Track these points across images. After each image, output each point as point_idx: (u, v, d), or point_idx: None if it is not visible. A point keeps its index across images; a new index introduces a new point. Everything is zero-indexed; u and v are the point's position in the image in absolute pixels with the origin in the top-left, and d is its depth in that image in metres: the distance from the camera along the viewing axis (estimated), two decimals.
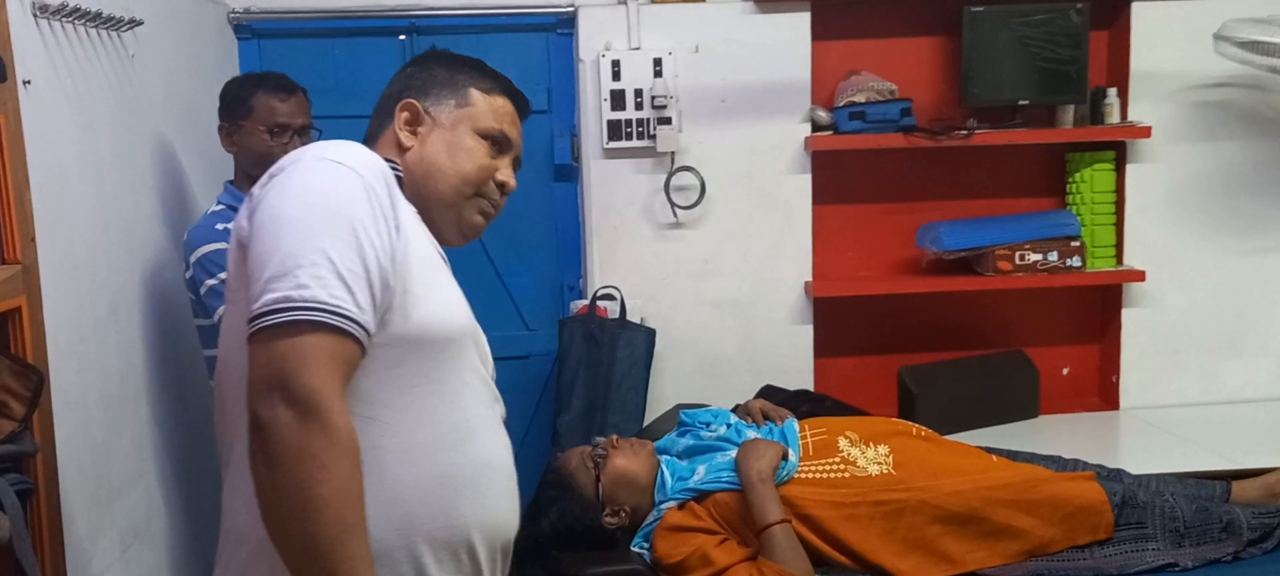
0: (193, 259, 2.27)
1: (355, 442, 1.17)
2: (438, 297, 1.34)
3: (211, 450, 2.46)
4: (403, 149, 1.47)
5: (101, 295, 2.17)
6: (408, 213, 1.37)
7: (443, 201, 1.47)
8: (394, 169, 1.42)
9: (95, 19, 2.13)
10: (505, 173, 1.52)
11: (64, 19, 2.03)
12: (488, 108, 1.51)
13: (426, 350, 1.30)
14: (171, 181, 2.60)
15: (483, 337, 1.46)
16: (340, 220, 1.21)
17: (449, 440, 1.32)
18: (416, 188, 1.46)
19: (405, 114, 1.48)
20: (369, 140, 1.50)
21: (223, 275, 2.24)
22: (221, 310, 2.21)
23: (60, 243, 1.99)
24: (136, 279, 2.36)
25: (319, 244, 1.19)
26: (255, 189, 1.30)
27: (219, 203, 2.38)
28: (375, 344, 1.25)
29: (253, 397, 1.15)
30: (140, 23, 2.33)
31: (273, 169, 1.30)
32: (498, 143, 1.51)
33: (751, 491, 2.22)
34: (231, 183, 2.44)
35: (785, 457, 2.33)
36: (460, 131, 1.48)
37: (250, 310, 1.17)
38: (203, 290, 2.26)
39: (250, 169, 2.40)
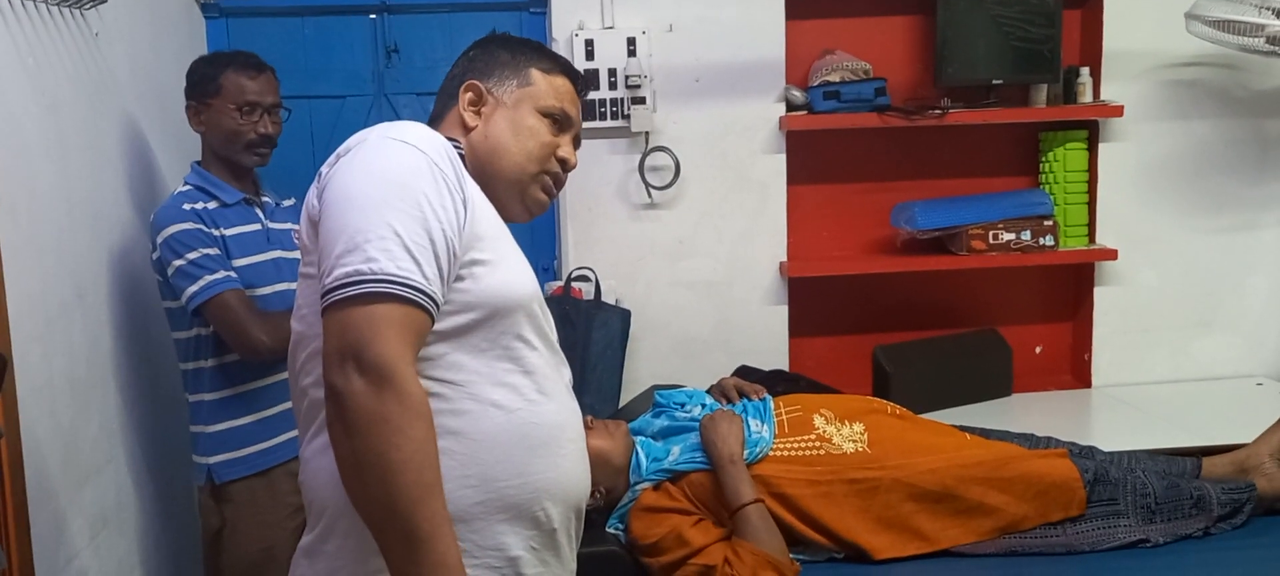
0: (160, 240, 2.23)
1: (427, 406, 1.24)
2: (506, 265, 1.39)
3: (182, 434, 2.44)
4: (467, 128, 1.52)
5: (67, 277, 2.14)
6: (473, 186, 1.41)
7: (507, 179, 1.51)
8: (457, 147, 1.46)
9: None
10: (567, 149, 1.57)
11: None
12: (548, 87, 1.55)
13: (498, 315, 1.36)
14: (139, 162, 2.56)
15: (545, 304, 1.51)
16: (406, 195, 1.28)
17: (521, 400, 1.38)
18: (481, 166, 1.49)
19: (469, 94, 1.53)
20: (434, 121, 1.55)
21: (192, 255, 2.21)
22: (190, 290, 2.21)
23: (24, 224, 1.96)
24: (104, 261, 2.33)
25: (386, 218, 1.25)
26: (323, 168, 1.37)
27: (186, 183, 2.35)
28: (449, 310, 1.32)
29: (328, 368, 1.22)
30: (104, 1, 2.29)
31: (340, 149, 1.37)
32: (559, 121, 1.55)
33: (722, 473, 2.22)
34: (199, 163, 2.40)
35: (748, 428, 2.34)
36: (523, 110, 1.52)
37: (323, 285, 1.25)
38: (170, 271, 2.23)
39: (219, 148, 2.37)
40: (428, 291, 1.25)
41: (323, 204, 1.32)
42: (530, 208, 1.55)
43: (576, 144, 1.61)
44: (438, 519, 1.22)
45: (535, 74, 1.55)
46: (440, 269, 1.28)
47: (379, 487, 1.20)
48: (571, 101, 1.59)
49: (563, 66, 1.60)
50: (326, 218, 1.29)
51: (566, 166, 1.57)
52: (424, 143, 1.34)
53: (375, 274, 1.22)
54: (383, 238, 1.24)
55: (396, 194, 1.27)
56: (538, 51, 1.59)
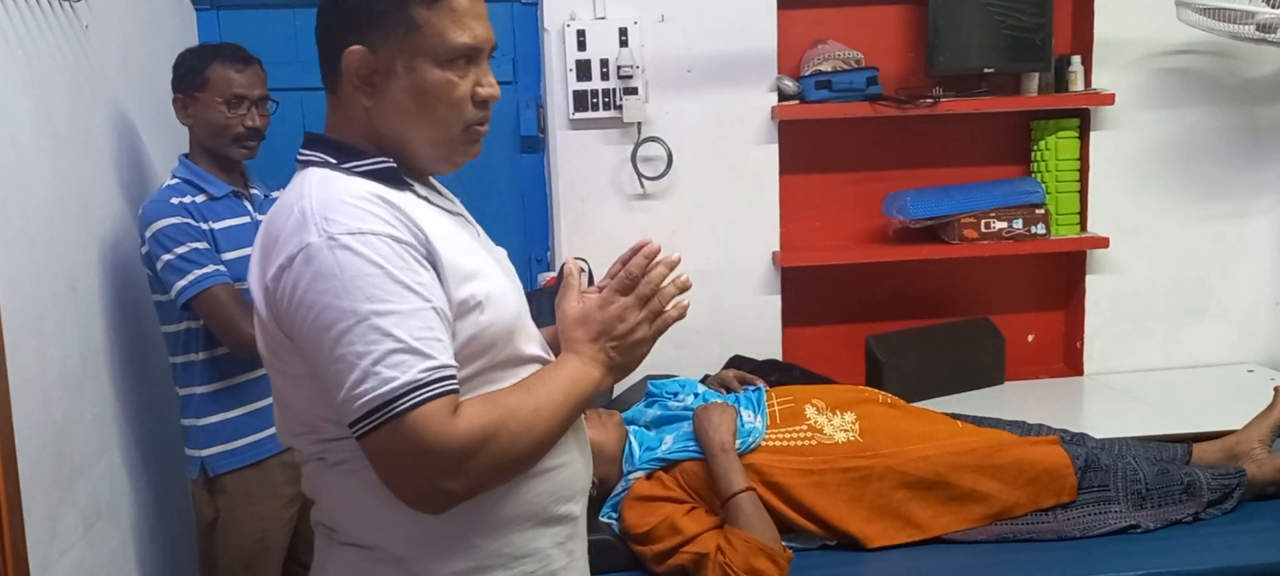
0: (148, 234, 2.23)
1: (486, 422, 1.20)
2: (494, 299, 1.30)
3: (176, 426, 2.44)
4: (365, 107, 1.30)
5: (59, 271, 2.14)
6: (423, 212, 1.28)
7: (427, 151, 1.34)
8: (382, 163, 1.30)
9: None
10: (485, 85, 1.33)
11: None
12: (443, 22, 1.27)
13: (500, 347, 1.31)
14: (129, 154, 2.56)
15: (518, 282, 1.45)
16: (378, 299, 1.17)
17: None
18: (394, 142, 1.32)
19: (354, 66, 1.27)
20: (329, 87, 1.35)
21: (180, 249, 2.22)
22: (179, 285, 2.21)
23: (14, 217, 1.96)
24: (95, 253, 2.32)
25: (378, 329, 1.16)
26: (267, 280, 1.23)
27: (174, 176, 2.35)
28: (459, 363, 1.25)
29: (408, 498, 1.22)
30: None
31: (269, 245, 1.23)
32: (467, 58, 1.30)
33: (714, 462, 2.23)
34: (186, 156, 2.40)
35: (741, 418, 2.35)
36: (420, 69, 1.28)
37: (347, 420, 1.17)
38: (159, 266, 2.23)
39: (206, 141, 2.37)
40: (445, 374, 1.18)
41: (294, 333, 1.22)
42: (459, 163, 1.37)
43: (492, 52, 1.36)
44: (574, 392, 1.30)
45: (420, 13, 1.26)
46: (439, 338, 1.20)
47: (546, 442, 1.29)
48: (474, 18, 1.30)
49: None
50: (311, 351, 1.20)
51: (488, 103, 1.34)
52: (365, 222, 1.19)
53: (397, 391, 1.15)
54: (384, 351, 1.16)
55: (369, 308, 1.16)
56: None
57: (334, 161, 1.30)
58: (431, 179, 1.43)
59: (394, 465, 1.18)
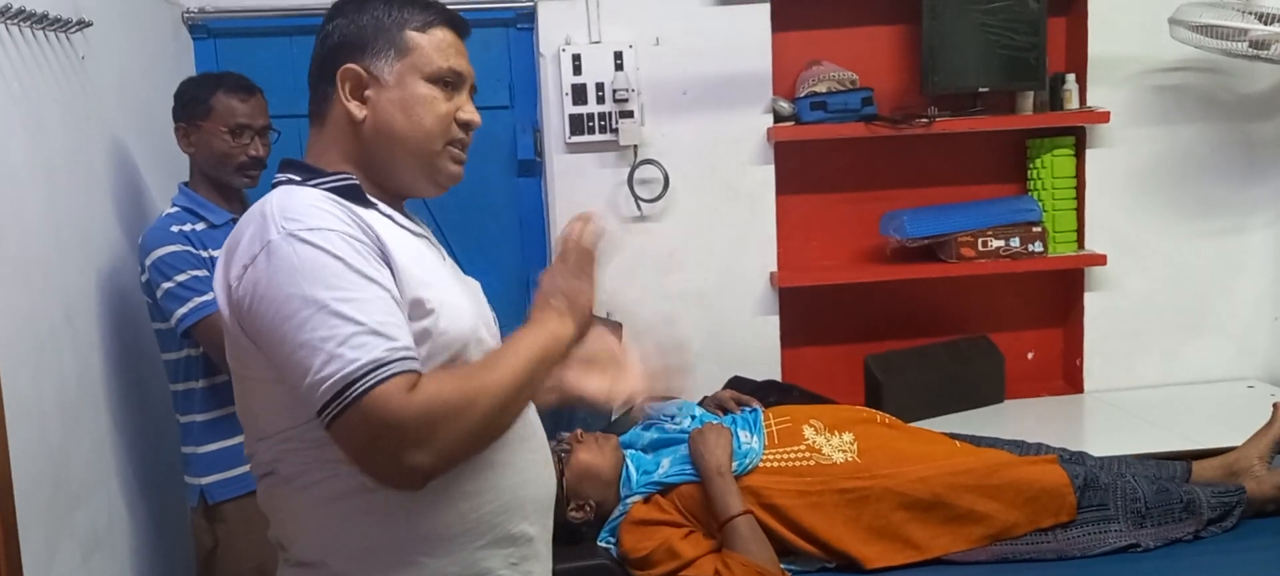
0: (148, 262, 2.24)
1: (448, 389, 1.21)
2: (446, 309, 1.33)
3: (174, 455, 2.44)
4: (356, 121, 1.39)
5: (56, 300, 2.14)
6: (384, 226, 1.33)
7: (411, 164, 1.41)
8: (345, 180, 1.37)
9: (41, 21, 2.09)
10: (466, 110, 1.44)
11: (8, 21, 1.99)
12: (430, 47, 1.41)
13: (446, 350, 1.32)
14: (127, 183, 2.56)
15: (487, 309, 1.49)
16: (335, 291, 1.21)
17: None
18: (380, 156, 1.41)
19: (348, 82, 1.39)
20: (315, 117, 1.44)
21: (180, 277, 2.22)
22: (179, 313, 2.21)
23: (11, 247, 1.96)
24: (92, 282, 2.33)
25: (338, 314, 1.20)
26: (230, 279, 1.28)
27: (174, 205, 2.36)
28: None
29: (381, 477, 1.23)
30: (89, 24, 2.30)
31: (235, 247, 1.28)
32: (449, 83, 1.42)
33: (710, 485, 2.23)
34: (186, 184, 2.41)
35: (737, 439, 2.34)
36: (409, 85, 1.39)
37: (313, 402, 1.19)
38: (159, 293, 2.23)
39: (208, 170, 2.38)
40: (403, 355, 1.21)
41: (256, 332, 1.25)
42: (442, 182, 1.45)
43: (472, 93, 1.47)
44: (535, 347, 1.30)
45: (411, 36, 1.40)
46: (398, 322, 1.24)
47: (513, 404, 1.28)
48: (458, 54, 1.44)
49: (439, 15, 1.44)
50: (273, 345, 1.23)
51: (469, 127, 1.44)
52: (324, 220, 1.25)
53: (355, 373, 1.17)
54: (346, 334, 1.19)
55: (328, 293, 1.20)
56: (407, 6, 1.42)
57: (299, 179, 1.37)
58: (403, 207, 1.48)
59: (361, 445, 1.20)
